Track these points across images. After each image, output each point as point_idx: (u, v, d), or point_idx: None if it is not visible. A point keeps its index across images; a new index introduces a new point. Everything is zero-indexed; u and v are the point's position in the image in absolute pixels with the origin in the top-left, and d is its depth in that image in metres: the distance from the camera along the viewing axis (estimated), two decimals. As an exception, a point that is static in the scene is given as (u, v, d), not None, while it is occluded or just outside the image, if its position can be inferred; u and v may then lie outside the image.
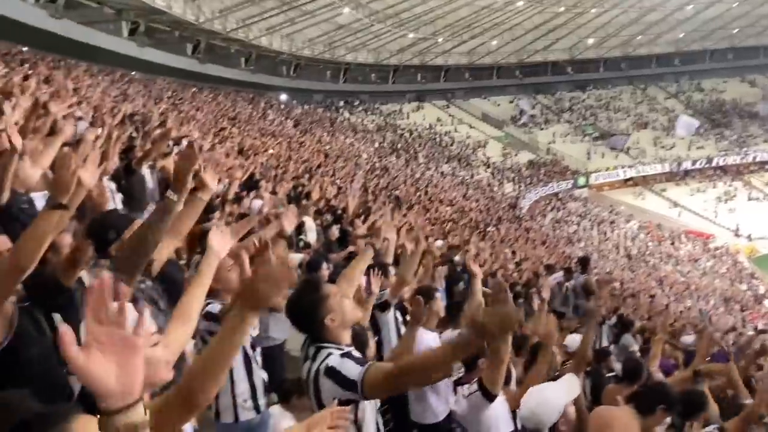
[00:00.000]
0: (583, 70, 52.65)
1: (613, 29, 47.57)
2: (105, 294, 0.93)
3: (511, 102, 49.94)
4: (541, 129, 47.68)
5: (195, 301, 2.12)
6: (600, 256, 27.65)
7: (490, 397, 3.02)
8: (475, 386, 3.10)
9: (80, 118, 8.30)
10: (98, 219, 2.71)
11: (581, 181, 42.24)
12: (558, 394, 2.73)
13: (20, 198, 3.46)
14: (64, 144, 4.94)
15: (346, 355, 2.29)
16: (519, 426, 3.10)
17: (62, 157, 2.26)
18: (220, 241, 2.28)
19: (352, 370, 2.19)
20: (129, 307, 0.96)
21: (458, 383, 3.66)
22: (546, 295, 4.97)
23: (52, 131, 5.22)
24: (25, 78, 10.72)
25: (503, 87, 50.42)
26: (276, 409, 3.59)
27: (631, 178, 44.17)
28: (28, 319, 2.36)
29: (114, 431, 0.93)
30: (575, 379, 2.86)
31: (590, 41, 49.04)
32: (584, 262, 9.20)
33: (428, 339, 4.17)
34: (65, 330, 0.90)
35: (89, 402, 1.10)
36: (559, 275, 9.22)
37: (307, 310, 2.38)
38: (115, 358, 0.92)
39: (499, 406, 3.19)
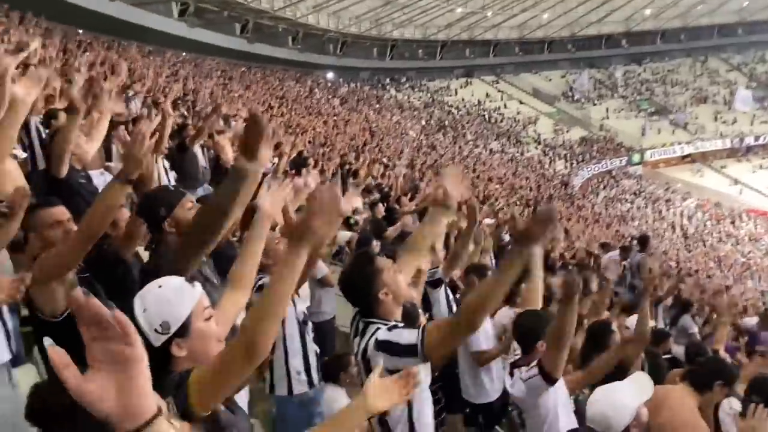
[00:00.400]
0: (639, 43, 50.66)
1: (672, -1, 45.56)
2: (89, 309, 0.84)
3: (563, 77, 48.59)
4: (594, 104, 46.27)
5: (248, 264, 2.10)
6: (655, 235, 26.78)
7: (550, 381, 2.89)
8: (534, 369, 2.98)
9: (134, 95, 8.45)
10: (148, 195, 2.72)
11: (635, 158, 40.91)
12: (630, 396, 2.55)
13: (79, 173, 3.54)
14: (120, 123, 5.03)
15: (395, 326, 2.26)
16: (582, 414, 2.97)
17: (137, 135, 2.29)
18: (271, 199, 2.23)
19: (406, 335, 2.14)
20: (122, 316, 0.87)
21: (515, 365, 3.57)
22: (612, 276, 4.80)
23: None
24: (92, 65, 11.00)
25: (555, 61, 49.07)
26: (328, 388, 3.58)
27: (688, 155, 42.50)
28: (89, 289, 2.44)
29: None
30: (647, 378, 2.67)
31: (647, 12, 47.02)
32: (643, 241, 8.86)
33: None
34: (55, 352, 0.84)
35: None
36: (615, 254, 8.94)
37: (361, 284, 2.34)
38: (114, 377, 0.84)
39: (559, 390, 3.07)
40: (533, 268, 3.44)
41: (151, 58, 20.44)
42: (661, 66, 50.96)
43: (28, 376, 2.65)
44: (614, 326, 3.92)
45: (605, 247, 9.97)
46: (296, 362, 3.29)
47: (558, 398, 3.01)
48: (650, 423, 2.69)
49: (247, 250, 2.13)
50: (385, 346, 2.18)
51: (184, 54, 25.81)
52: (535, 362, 2.98)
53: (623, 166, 40.20)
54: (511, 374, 3.31)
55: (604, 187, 36.40)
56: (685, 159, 42.64)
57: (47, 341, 0.86)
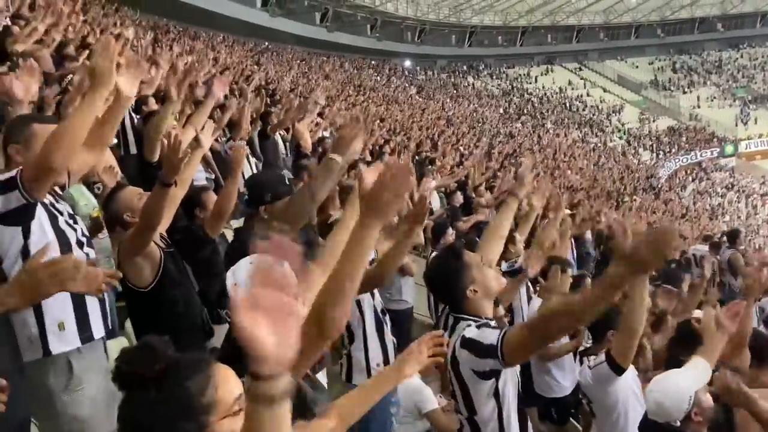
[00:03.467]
0: (737, 27, 47.48)
1: (774, -22, 42.42)
2: (276, 256, 0.88)
3: (651, 63, 46.32)
4: (684, 93, 43.87)
5: (337, 245, 2.00)
6: (749, 231, 25.20)
7: (617, 370, 2.80)
8: (602, 357, 2.89)
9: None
10: (260, 178, 2.84)
11: (729, 149, 38.51)
12: (686, 382, 2.42)
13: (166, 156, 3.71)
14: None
15: (484, 324, 2.19)
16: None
17: (174, 142, 2.48)
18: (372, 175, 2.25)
19: (489, 335, 2.09)
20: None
21: (585, 354, 3.46)
22: (708, 272, 4.55)
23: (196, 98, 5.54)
24: (170, 48, 11.50)
25: (642, 47, 46.82)
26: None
27: (789, 146, 39.61)
28: (173, 263, 2.68)
29: (261, 397, 0.91)
30: (705, 364, 2.52)
31: (747, -7, 44.06)
32: (733, 236, 8.37)
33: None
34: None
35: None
36: (704, 249, 8.49)
37: (448, 280, 2.27)
38: (275, 324, 0.89)
39: (630, 382, 2.97)
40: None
41: (234, 47, 21.09)
42: (761, 51, 47.57)
43: (119, 348, 2.83)
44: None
45: (708, 240, 9.46)
46: (376, 355, 3.30)
47: (629, 389, 2.91)
48: None
49: (340, 226, 2.07)
50: (469, 345, 2.13)
51: (266, 43, 26.48)
52: (603, 351, 2.90)
53: (715, 158, 37.96)
54: (581, 363, 3.22)
55: (693, 180, 34.55)
56: (785, 151, 39.77)
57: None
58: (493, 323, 2.27)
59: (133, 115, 4.80)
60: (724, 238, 8.80)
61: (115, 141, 4.33)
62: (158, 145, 3.50)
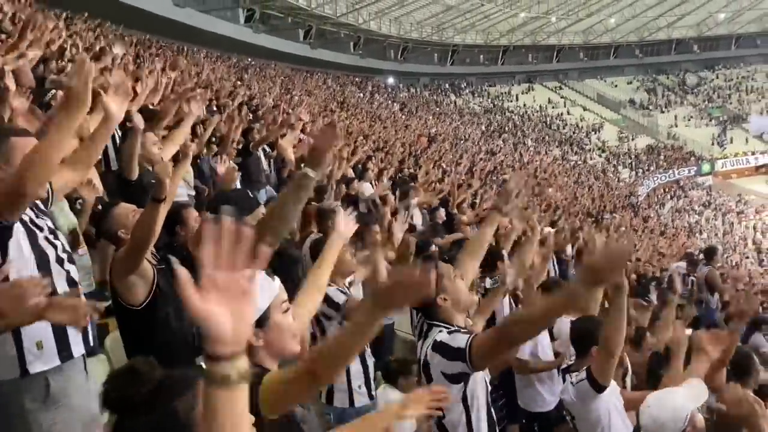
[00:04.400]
0: (712, 48, 48.65)
1: (748, 2, 43.49)
2: (225, 237, 0.89)
3: (629, 83, 47.17)
4: (662, 112, 44.69)
5: (322, 276, 2.21)
6: (726, 249, 25.60)
7: (598, 388, 2.86)
8: (583, 374, 2.93)
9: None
10: (222, 196, 2.81)
11: (706, 167, 39.22)
12: (683, 401, 2.46)
13: (148, 173, 3.69)
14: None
15: (456, 331, 2.29)
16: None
17: (160, 164, 2.51)
18: (346, 224, 2.39)
19: (459, 339, 2.19)
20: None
21: (568, 370, 3.49)
22: (678, 286, 4.60)
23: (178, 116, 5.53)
24: (163, 70, 11.45)
25: (621, 67, 47.72)
26: (383, 389, 3.58)
27: (763, 165, 40.39)
28: (165, 279, 2.64)
29: (218, 378, 0.92)
30: (703, 386, 2.57)
31: (721, 16, 45.14)
32: (710, 253, 8.49)
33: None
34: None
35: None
36: (681, 265, 8.61)
37: None
38: (229, 304, 0.90)
39: (613, 398, 3.00)
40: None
41: (218, 63, 21.09)
42: (735, 72, 48.72)
43: (99, 366, 2.78)
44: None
45: (689, 257, 9.60)
46: (357, 376, 3.32)
47: (611, 405, 2.94)
48: None
49: (323, 259, 2.24)
50: (440, 348, 2.23)
51: (249, 59, 26.51)
52: (584, 368, 2.93)
53: (692, 176, 38.63)
54: (564, 379, 3.25)
55: (671, 198, 35.08)
56: (759, 170, 40.53)
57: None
58: (464, 329, 2.34)
59: (116, 130, 4.77)
60: (702, 256, 8.92)
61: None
62: (135, 162, 3.46)
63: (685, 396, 2.50)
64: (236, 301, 0.91)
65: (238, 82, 17.21)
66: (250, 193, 3.00)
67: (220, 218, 0.90)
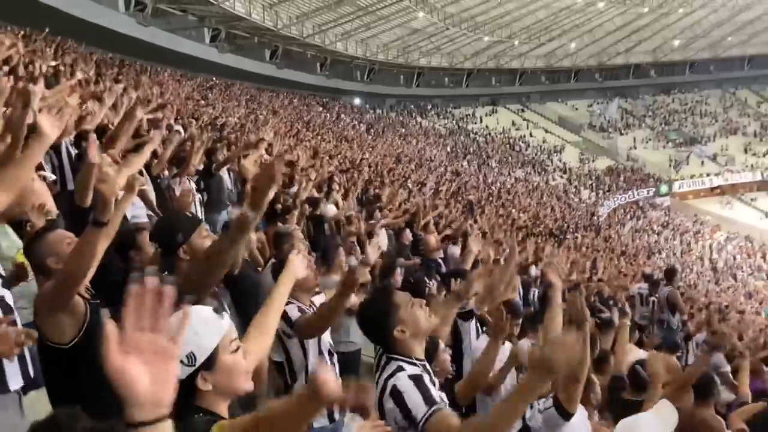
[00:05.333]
0: (668, 73, 50.41)
1: (701, 30, 45.27)
2: (148, 299, 0.87)
3: (590, 106, 48.41)
4: (621, 134, 45.92)
5: (272, 314, 2.11)
6: (683, 268, 26.23)
7: (566, 416, 2.80)
8: (550, 401, 2.89)
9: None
10: (166, 220, 2.72)
11: (663, 188, 40.34)
12: (654, 427, 2.45)
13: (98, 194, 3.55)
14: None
15: (417, 379, 2.13)
16: None
17: (105, 177, 2.33)
18: (300, 264, 2.31)
19: (418, 405, 2.04)
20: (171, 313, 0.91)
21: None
22: (627, 310, 4.64)
23: (138, 134, 5.41)
24: (116, 80, 11.26)
25: (581, 90, 48.98)
26: (352, 416, 3.47)
27: (718, 187, 41.77)
28: (99, 315, 2.38)
29: None
30: (672, 409, 2.57)
31: (676, 43, 46.86)
32: (670, 274, 8.65)
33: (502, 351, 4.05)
34: (110, 327, 0.86)
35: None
36: (643, 286, 8.74)
37: (376, 320, 2.26)
38: (150, 366, 0.87)
39: (581, 425, 2.97)
40: (554, 299, 3.38)
41: (182, 82, 20.88)
42: (690, 97, 50.50)
43: (43, 400, 2.62)
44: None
45: (648, 278, 9.71)
46: None
47: (577, 430, 2.90)
48: None
49: (273, 301, 2.14)
50: (398, 399, 2.10)
51: (214, 79, 26.33)
52: (551, 394, 2.90)
53: (651, 197, 39.65)
54: (531, 406, 3.20)
55: (631, 218, 35.88)
56: (714, 191, 41.91)
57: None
58: (426, 378, 2.19)
59: (72, 150, 4.64)
60: (662, 276, 9.08)
61: (53, 177, 4.14)
62: (90, 188, 3.27)
63: (654, 422, 2.48)
64: (157, 362, 0.87)
65: (202, 102, 17.06)
66: (188, 214, 2.90)
67: (143, 278, 0.87)
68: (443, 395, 2.27)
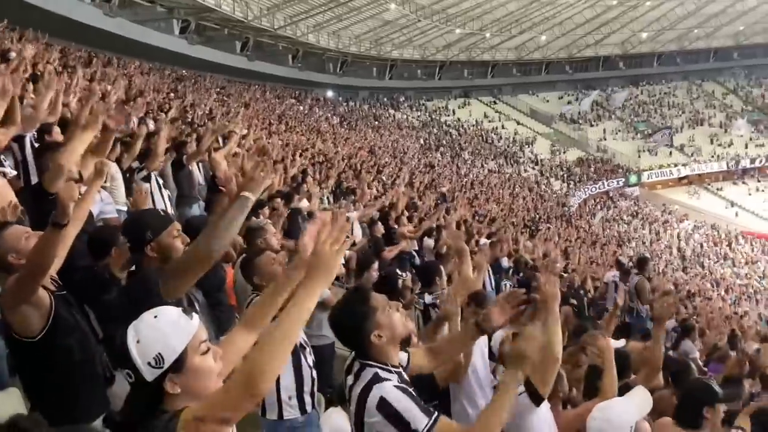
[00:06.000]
0: (636, 65, 51.16)
1: (668, 22, 46.02)
2: None
3: (560, 98, 48.92)
4: (591, 126, 46.53)
5: (268, 310, 1.94)
6: (652, 257, 26.78)
7: (537, 400, 2.76)
8: (521, 387, 2.87)
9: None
10: (137, 217, 2.66)
11: (633, 179, 41.06)
12: (628, 410, 2.49)
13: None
14: (119, 139, 4.97)
15: (406, 390, 2.07)
16: None
17: (67, 185, 2.36)
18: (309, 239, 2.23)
19: (416, 416, 1.99)
20: None
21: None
22: (621, 300, 4.70)
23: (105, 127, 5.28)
24: (91, 80, 10.98)
25: (552, 83, 49.44)
26: (330, 411, 3.45)
27: (685, 177, 42.68)
28: (66, 308, 2.42)
29: None
30: (646, 393, 2.61)
31: (644, 35, 47.58)
32: (641, 263, 8.78)
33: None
34: None
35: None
36: (615, 274, 8.87)
37: (352, 324, 2.16)
38: None
39: (546, 413, 2.96)
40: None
41: (150, 75, 20.50)
42: (658, 88, 51.38)
43: (10, 399, 2.56)
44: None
45: (619, 265, 9.83)
46: (288, 387, 3.20)
47: (544, 421, 2.90)
48: None
49: (272, 297, 1.95)
50: (386, 409, 2.01)
51: (183, 71, 25.90)
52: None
53: (620, 187, 40.32)
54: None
55: (601, 208, 36.44)
56: (681, 181, 42.81)
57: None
58: (409, 387, 2.15)
59: (33, 142, 4.50)
60: (633, 265, 9.22)
61: (14, 173, 4.02)
62: (58, 179, 3.24)
63: (629, 407, 2.53)
64: None
65: (172, 94, 16.77)
66: (161, 212, 2.83)
67: None
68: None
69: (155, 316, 1.49)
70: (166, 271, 2.22)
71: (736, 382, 4.50)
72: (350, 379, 2.19)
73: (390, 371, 2.14)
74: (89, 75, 11.47)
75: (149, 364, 1.44)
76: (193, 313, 1.54)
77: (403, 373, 2.24)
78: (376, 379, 2.09)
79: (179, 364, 1.46)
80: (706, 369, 6.45)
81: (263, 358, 1.45)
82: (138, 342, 1.44)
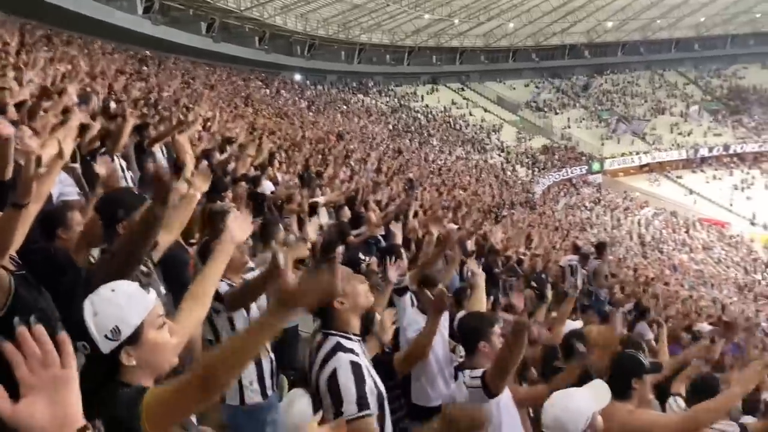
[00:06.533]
0: (601, 54, 51.91)
1: (632, 12, 46.74)
2: (30, 343, 0.96)
3: (527, 86, 49.38)
4: (556, 113, 47.15)
5: (209, 283, 2.08)
6: (613, 243, 27.41)
7: (491, 395, 2.90)
8: (478, 381, 2.95)
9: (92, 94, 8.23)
10: (109, 197, 2.66)
11: (596, 166, 41.83)
12: (585, 401, 2.56)
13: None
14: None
15: (357, 371, 2.18)
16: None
17: (26, 161, 2.27)
18: (239, 226, 2.25)
19: (350, 402, 2.13)
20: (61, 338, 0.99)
21: (460, 368, 3.57)
22: (579, 282, 4.84)
23: (66, 110, 5.19)
24: (51, 60, 10.68)
25: (519, 70, 49.85)
26: (295, 392, 3.49)
27: (647, 165, 43.67)
28: (26, 288, 2.38)
29: None
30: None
31: (609, 24, 48.24)
32: (600, 248, 9.03)
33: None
34: None
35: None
36: (574, 258, 9.10)
37: None
38: (47, 398, 0.93)
39: (506, 400, 3.07)
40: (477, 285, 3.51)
41: (114, 55, 20.01)
42: (622, 77, 52.27)
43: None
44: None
45: (577, 250, 10.08)
46: (249, 373, 3.22)
47: (504, 408, 3.00)
48: None
49: (210, 270, 2.10)
50: (332, 383, 2.16)
51: (147, 52, 25.32)
52: (479, 372, 2.97)
53: (583, 175, 41.05)
54: (457, 377, 3.30)
55: (565, 195, 37.06)
56: (643, 168, 43.79)
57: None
58: (356, 347, 2.27)
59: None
60: (592, 250, 9.47)
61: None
62: (10, 162, 3.16)
63: (588, 397, 2.58)
64: (54, 392, 0.94)
65: (135, 76, 16.42)
66: (134, 192, 2.85)
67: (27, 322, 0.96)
68: (375, 375, 2.33)
69: (112, 290, 1.53)
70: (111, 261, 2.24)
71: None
72: (312, 351, 2.31)
73: (351, 339, 2.27)
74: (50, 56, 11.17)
75: (106, 336, 1.47)
76: (150, 288, 1.59)
77: (362, 342, 2.36)
78: (338, 348, 2.22)
79: (135, 337, 1.50)
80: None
81: (223, 369, 1.45)
82: (95, 315, 1.48)
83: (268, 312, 1.54)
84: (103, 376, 1.50)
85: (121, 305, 1.50)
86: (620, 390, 2.94)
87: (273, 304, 1.55)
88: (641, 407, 3.06)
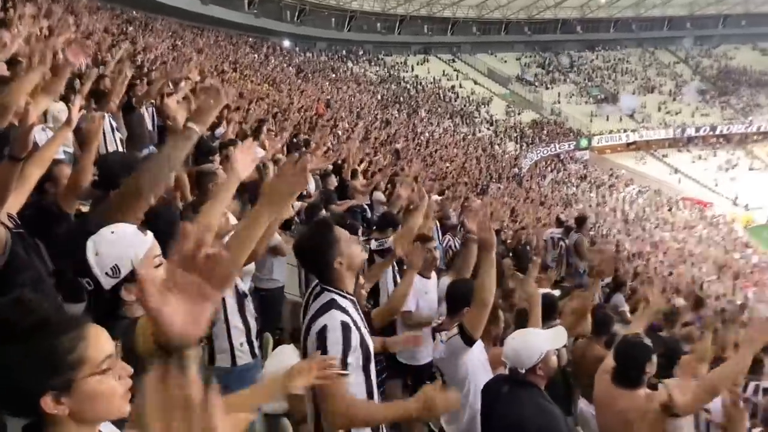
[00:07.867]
0: (593, 30, 51.69)
1: (626, -12, 46.50)
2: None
3: (518, 59, 49.16)
4: (546, 88, 47.07)
5: (216, 209, 2.14)
6: (597, 219, 27.71)
7: (469, 342, 3.06)
8: (455, 330, 3.13)
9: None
10: (110, 156, 2.70)
11: (583, 142, 41.99)
12: (542, 339, 2.82)
13: (15, 128, 3.44)
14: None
15: (346, 332, 2.25)
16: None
17: (24, 115, 2.31)
18: (244, 159, 2.23)
19: (335, 347, 2.21)
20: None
21: (438, 329, 3.70)
22: (544, 251, 5.00)
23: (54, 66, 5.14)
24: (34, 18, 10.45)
25: (511, 43, 49.55)
26: (284, 347, 3.59)
27: (633, 142, 43.90)
28: (21, 244, 2.44)
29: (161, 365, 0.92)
30: (564, 332, 2.92)
31: (602, 0, 47.95)
32: (580, 221, 9.20)
33: (426, 285, 4.36)
34: (144, 273, 0.91)
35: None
36: (556, 231, 9.26)
37: (318, 250, 2.39)
38: (187, 305, 0.90)
39: (479, 353, 3.24)
40: (470, 246, 3.61)
41: (99, 14, 19.62)
42: (613, 54, 52.17)
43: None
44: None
45: (561, 224, 10.26)
46: (238, 335, 3.30)
47: (477, 361, 3.19)
48: None
49: (215, 198, 2.18)
50: (320, 336, 2.23)
51: (134, 12, 24.83)
52: (455, 325, 3.14)
53: (571, 150, 41.21)
54: (434, 337, 3.46)
55: (552, 170, 37.24)
56: (630, 146, 43.98)
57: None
58: (349, 305, 2.37)
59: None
60: (573, 223, 9.64)
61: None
62: (9, 113, 3.21)
63: (544, 337, 2.85)
64: (196, 304, 0.90)
65: (121, 36, 16.16)
66: (133, 156, 2.90)
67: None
68: (364, 330, 2.41)
69: (112, 232, 1.63)
70: (110, 204, 2.28)
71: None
72: (310, 300, 2.41)
73: (345, 297, 2.38)
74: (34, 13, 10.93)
75: (107, 274, 1.59)
76: (148, 231, 1.67)
77: (356, 301, 2.45)
78: (332, 304, 2.32)
79: (134, 274, 1.60)
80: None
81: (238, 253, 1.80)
82: (96, 254, 1.59)
83: (258, 210, 1.87)
84: (106, 311, 1.61)
85: (120, 245, 1.61)
86: (634, 379, 3.13)
87: (259, 204, 1.88)
88: (686, 380, 3.24)
